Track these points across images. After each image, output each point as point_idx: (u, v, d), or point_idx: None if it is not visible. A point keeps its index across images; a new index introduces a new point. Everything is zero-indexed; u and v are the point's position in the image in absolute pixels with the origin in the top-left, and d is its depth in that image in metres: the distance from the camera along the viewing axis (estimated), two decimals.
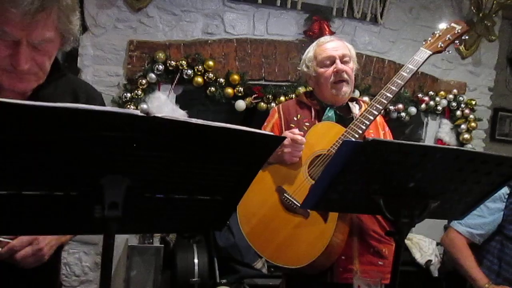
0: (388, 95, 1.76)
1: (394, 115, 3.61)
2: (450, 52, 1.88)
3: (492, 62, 3.97)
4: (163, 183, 0.85)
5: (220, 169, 0.87)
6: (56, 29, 1.05)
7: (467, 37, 1.85)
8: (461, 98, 3.77)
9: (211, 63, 3.07)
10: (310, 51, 1.96)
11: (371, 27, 3.58)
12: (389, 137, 1.98)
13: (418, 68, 1.79)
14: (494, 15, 3.71)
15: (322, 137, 1.80)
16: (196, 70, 3.05)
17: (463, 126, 3.79)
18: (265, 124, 2.00)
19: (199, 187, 0.89)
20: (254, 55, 3.28)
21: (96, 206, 0.78)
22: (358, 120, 1.75)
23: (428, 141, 3.81)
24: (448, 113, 3.80)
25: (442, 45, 1.81)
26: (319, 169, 1.75)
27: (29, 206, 0.79)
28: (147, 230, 2.13)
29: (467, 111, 3.78)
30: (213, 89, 3.10)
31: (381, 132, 1.92)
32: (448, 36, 1.82)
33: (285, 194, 1.79)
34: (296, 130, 1.79)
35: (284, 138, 0.89)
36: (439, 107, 3.73)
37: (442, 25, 1.87)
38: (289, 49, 3.36)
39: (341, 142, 1.69)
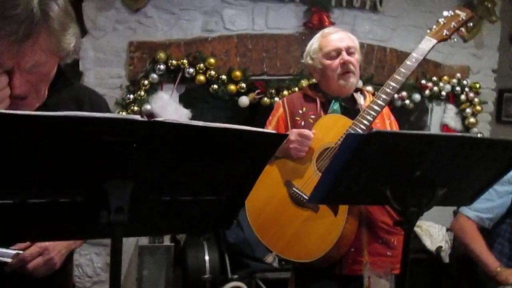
0: (394, 85, 1.75)
1: (398, 103, 3.59)
2: (455, 40, 1.86)
3: (495, 44, 3.93)
4: (167, 185, 0.86)
5: (224, 169, 0.87)
6: (48, 51, 1.05)
7: (471, 24, 1.82)
8: (464, 82, 3.74)
9: (212, 60, 3.07)
10: (314, 43, 1.94)
11: (371, 15, 3.55)
12: (395, 127, 1.98)
13: (424, 57, 1.77)
14: None
15: (329, 130, 1.79)
16: (197, 68, 3.05)
17: (468, 110, 3.76)
18: (270, 118, 1.99)
19: (203, 187, 0.90)
20: (255, 50, 3.27)
21: (102, 211, 0.79)
22: (365, 111, 1.74)
23: (434, 127, 3.79)
24: (453, 98, 3.78)
25: (447, 33, 1.80)
26: (327, 162, 1.75)
27: (36, 213, 0.80)
28: (154, 232, 2.14)
29: (471, 94, 3.75)
30: (215, 86, 3.10)
31: (387, 121, 1.91)
32: (453, 23, 1.79)
33: (293, 188, 1.80)
34: (304, 130, 1.78)
35: (286, 135, 0.89)
36: (443, 93, 3.70)
37: (446, 13, 1.85)
38: (290, 42, 3.35)
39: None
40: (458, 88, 3.73)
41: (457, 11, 1.82)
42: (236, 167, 0.88)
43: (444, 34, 1.79)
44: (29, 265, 1.14)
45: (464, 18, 1.80)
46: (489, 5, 3.62)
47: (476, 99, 3.76)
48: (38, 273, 1.16)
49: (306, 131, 1.74)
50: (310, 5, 3.33)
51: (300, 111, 1.91)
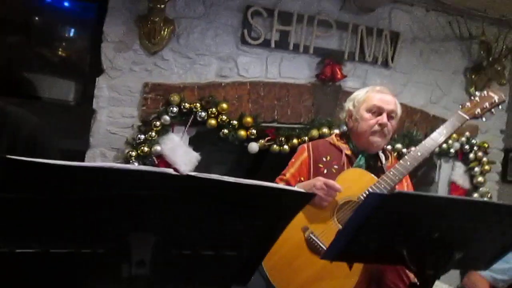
0: (423, 152, 1.80)
1: None
2: (485, 120, 1.93)
3: (503, 105, 3.97)
4: (191, 240, 0.84)
5: (248, 224, 0.86)
6: None
7: (500, 107, 1.93)
8: (473, 141, 3.75)
9: (224, 105, 3.09)
10: (362, 94, 1.98)
11: (382, 71, 3.61)
12: (411, 188, 1.99)
13: (454, 132, 1.86)
14: (504, 59, 3.74)
15: (353, 184, 1.80)
16: (209, 112, 3.07)
17: (476, 169, 3.75)
18: (292, 160, 1.99)
19: (226, 243, 0.87)
20: (267, 97, 3.31)
21: (123, 265, 0.76)
22: (391, 173, 1.77)
23: (442, 183, 3.77)
24: (461, 155, 3.78)
25: (479, 112, 1.87)
26: (347, 215, 1.74)
27: (57, 264, 0.77)
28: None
29: (480, 153, 3.76)
30: (226, 131, 3.11)
31: (404, 183, 1.92)
32: (486, 104, 1.86)
33: (311, 235, 1.77)
34: (332, 181, 1.77)
35: (314, 195, 0.88)
36: (452, 150, 3.71)
37: (480, 93, 1.93)
38: (302, 92, 3.39)
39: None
40: (467, 147, 3.74)
41: (491, 93, 1.89)
42: (260, 223, 0.87)
43: (476, 112, 1.86)
44: None
45: (496, 101, 1.89)
46: (498, 68, 3.69)
47: (484, 159, 3.76)
48: None
49: (335, 184, 1.74)
50: (323, 57, 3.39)
51: (324, 159, 1.92)
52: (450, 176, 3.78)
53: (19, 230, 0.71)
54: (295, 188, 0.84)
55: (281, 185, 0.81)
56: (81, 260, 0.78)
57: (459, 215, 1.19)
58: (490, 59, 3.70)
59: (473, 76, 3.81)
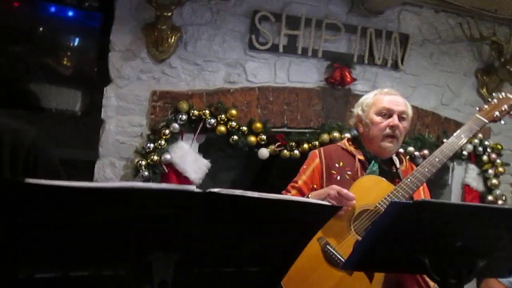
0: (441, 158, 1.76)
1: (420, 161, 3.54)
2: (504, 123, 1.87)
3: None
4: (213, 257, 0.80)
5: (271, 239, 0.82)
6: None
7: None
8: (486, 143, 3.70)
9: (234, 112, 3.06)
10: (370, 97, 1.95)
11: (392, 73, 3.57)
12: (427, 194, 1.95)
13: (474, 135, 1.79)
14: None
15: (369, 192, 1.75)
16: (219, 119, 3.04)
17: (490, 171, 3.69)
18: (304, 167, 1.96)
19: (248, 259, 0.84)
20: (276, 102, 3.27)
21: (145, 285, 0.73)
22: (409, 180, 1.72)
23: (455, 186, 3.72)
24: (474, 158, 3.72)
25: (498, 114, 1.82)
26: (365, 225, 1.70)
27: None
28: None
29: (493, 155, 3.70)
30: (236, 137, 3.08)
31: (420, 188, 1.87)
32: (505, 106, 1.82)
33: (327, 246, 1.73)
34: (346, 190, 1.73)
35: (340, 207, 0.85)
36: (465, 152, 3.65)
37: (498, 94, 1.88)
38: (311, 96, 3.35)
39: (389, 200, 1.66)
40: (480, 149, 3.68)
41: (509, 95, 1.85)
42: (284, 238, 0.83)
43: (494, 115, 1.81)
44: None
45: None
46: (510, 69, 3.63)
47: (498, 160, 3.70)
48: None
49: (348, 193, 1.70)
50: (332, 60, 3.36)
51: (337, 165, 1.88)
52: (464, 178, 3.73)
53: (38, 255, 0.69)
54: (320, 201, 0.81)
55: (305, 199, 0.78)
56: (102, 282, 0.75)
57: (482, 222, 1.18)
58: (502, 59, 3.64)
59: (484, 78, 3.77)
